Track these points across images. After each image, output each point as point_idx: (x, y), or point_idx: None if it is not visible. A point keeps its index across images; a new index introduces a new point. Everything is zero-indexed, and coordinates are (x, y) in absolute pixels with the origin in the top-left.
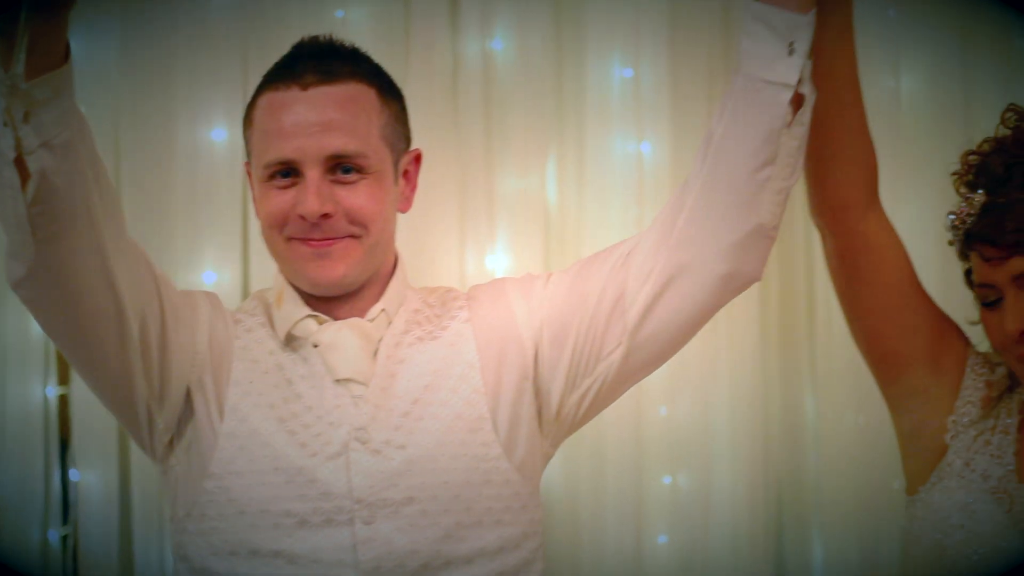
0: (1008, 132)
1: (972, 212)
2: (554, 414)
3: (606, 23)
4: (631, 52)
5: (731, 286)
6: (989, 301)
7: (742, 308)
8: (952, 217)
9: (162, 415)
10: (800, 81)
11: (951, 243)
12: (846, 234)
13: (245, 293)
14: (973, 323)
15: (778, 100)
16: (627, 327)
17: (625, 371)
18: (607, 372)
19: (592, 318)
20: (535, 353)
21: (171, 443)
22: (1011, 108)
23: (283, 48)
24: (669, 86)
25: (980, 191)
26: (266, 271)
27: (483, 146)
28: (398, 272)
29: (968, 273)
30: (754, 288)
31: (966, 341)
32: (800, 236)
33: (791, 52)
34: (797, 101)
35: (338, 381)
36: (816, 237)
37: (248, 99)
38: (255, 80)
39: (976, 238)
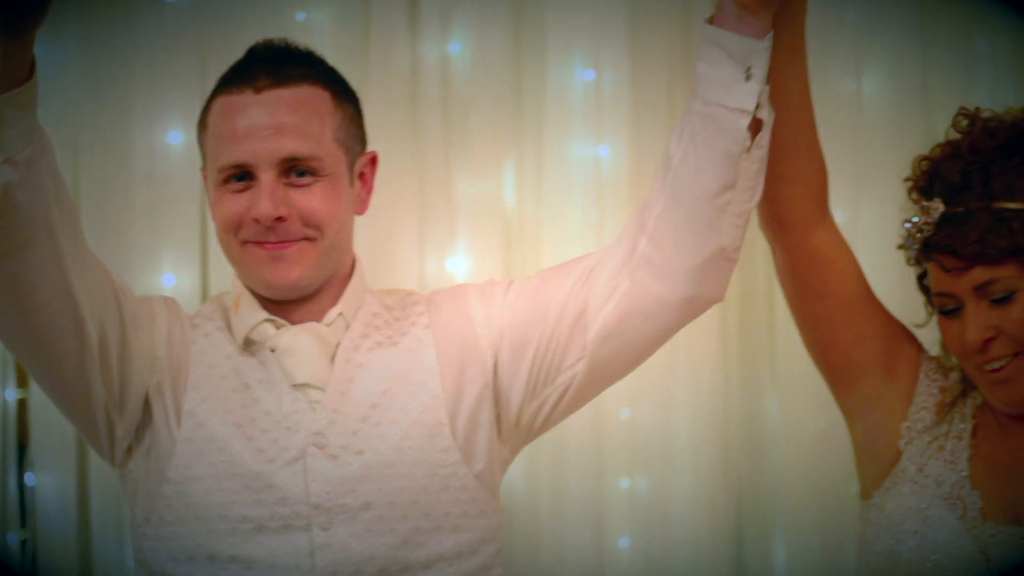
0: (959, 136)
1: (930, 221)
2: (513, 421)
3: (566, 26)
4: (591, 55)
5: (692, 308)
6: (947, 309)
7: None
8: (908, 226)
9: (122, 421)
10: (758, 106)
11: (902, 247)
12: (796, 248)
13: (204, 296)
14: (919, 325)
15: (736, 125)
16: (587, 345)
17: (586, 384)
18: (567, 384)
19: (553, 331)
20: (494, 361)
21: (130, 449)
22: (962, 112)
23: (242, 51)
24: (629, 89)
25: (936, 199)
26: (225, 274)
27: (442, 149)
28: (355, 275)
29: (921, 278)
30: None
31: (919, 347)
32: (760, 239)
33: (748, 77)
34: (756, 125)
35: (295, 386)
36: None
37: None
38: (213, 83)
39: (936, 248)
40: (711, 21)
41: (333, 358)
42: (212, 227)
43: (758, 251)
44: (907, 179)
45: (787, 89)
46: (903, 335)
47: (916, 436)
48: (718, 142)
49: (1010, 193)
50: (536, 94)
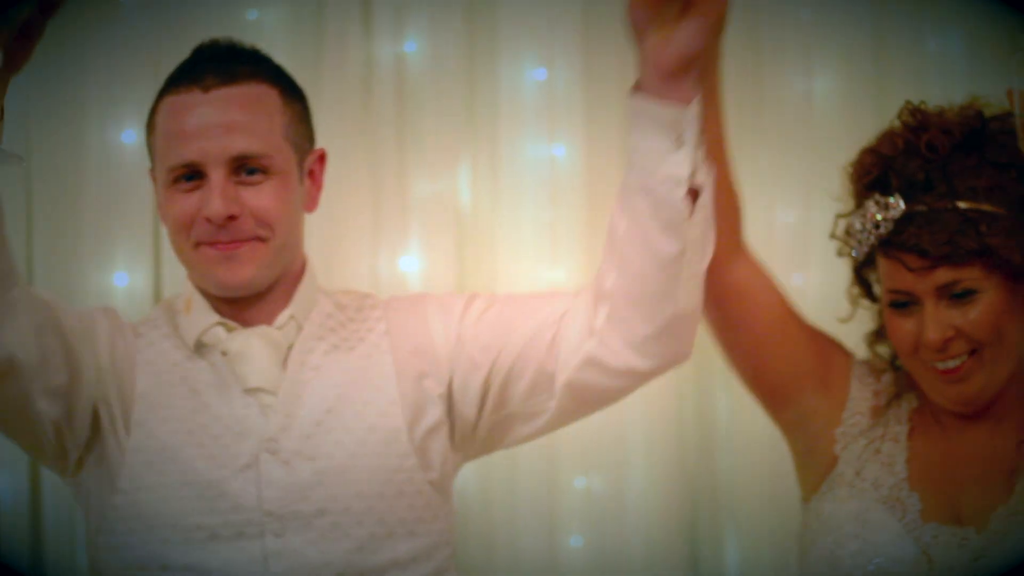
0: (901, 128)
1: (889, 218)
2: (469, 433)
3: (519, 25)
4: (544, 54)
5: (659, 370)
6: (899, 303)
7: None
8: (861, 220)
9: (72, 435)
10: (694, 171)
11: (840, 238)
12: (716, 285)
13: (157, 294)
14: (843, 321)
15: (674, 196)
16: (556, 391)
17: (558, 419)
18: (537, 419)
19: (516, 360)
20: (451, 374)
21: (81, 461)
22: (909, 106)
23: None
24: (583, 89)
25: (896, 195)
26: (178, 272)
27: (396, 149)
28: (306, 276)
29: (858, 270)
30: None
31: (848, 354)
32: None
33: (680, 145)
34: (695, 189)
35: (247, 390)
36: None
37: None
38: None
39: (899, 246)
40: (637, 87)
41: (286, 361)
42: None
43: None
44: (851, 171)
45: (703, 136)
46: (831, 346)
47: (852, 441)
48: (659, 214)
49: (973, 194)
50: (490, 94)
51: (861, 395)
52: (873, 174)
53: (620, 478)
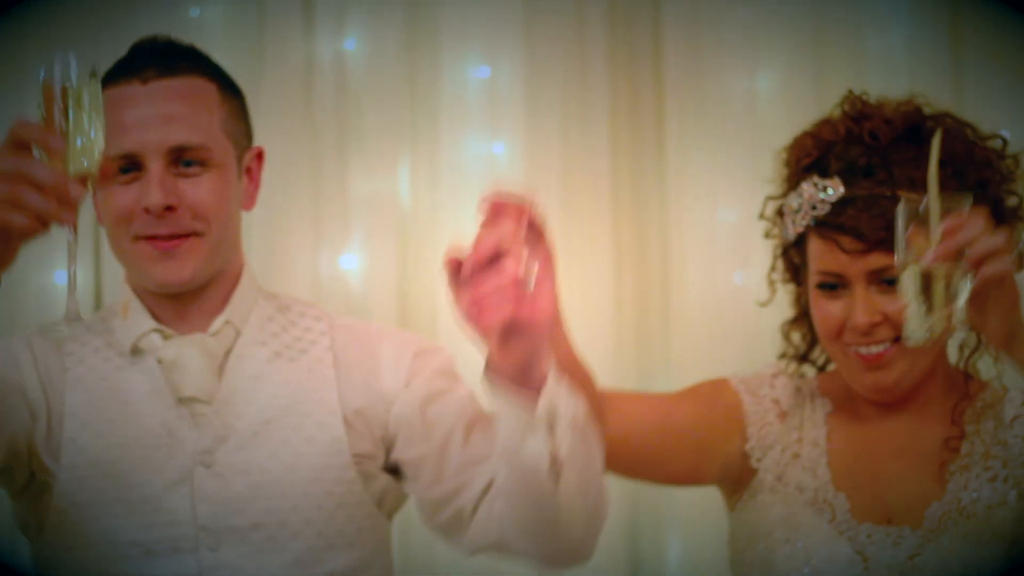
0: (842, 116)
1: (826, 199)
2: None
3: (461, 23)
4: (486, 52)
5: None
6: (827, 284)
7: (596, 308)
8: (797, 199)
9: (17, 473)
10: (554, 453)
11: (771, 218)
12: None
13: (97, 291)
14: (762, 304)
15: (537, 472)
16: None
17: None
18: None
19: (430, 488)
20: (394, 429)
21: (25, 486)
22: (850, 95)
23: None
24: (524, 86)
25: (835, 178)
26: (118, 270)
27: (337, 147)
28: (244, 279)
29: (785, 251)
30: (609, 288)
31: (723, 381)
32: (654, 235)
33: (539, 426)
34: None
35: (180, 400)
36: (674, 229)
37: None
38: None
39: (835, 227)
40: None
41: (223, 368)
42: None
43: (653, 255)
44: (787, 154)
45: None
46: (706, 392)
47: (767, 450)
48: (528, 483)
49: (912, 185)
50: (431, 91)
51: (759, 407)
52: (813, 156)
53: None
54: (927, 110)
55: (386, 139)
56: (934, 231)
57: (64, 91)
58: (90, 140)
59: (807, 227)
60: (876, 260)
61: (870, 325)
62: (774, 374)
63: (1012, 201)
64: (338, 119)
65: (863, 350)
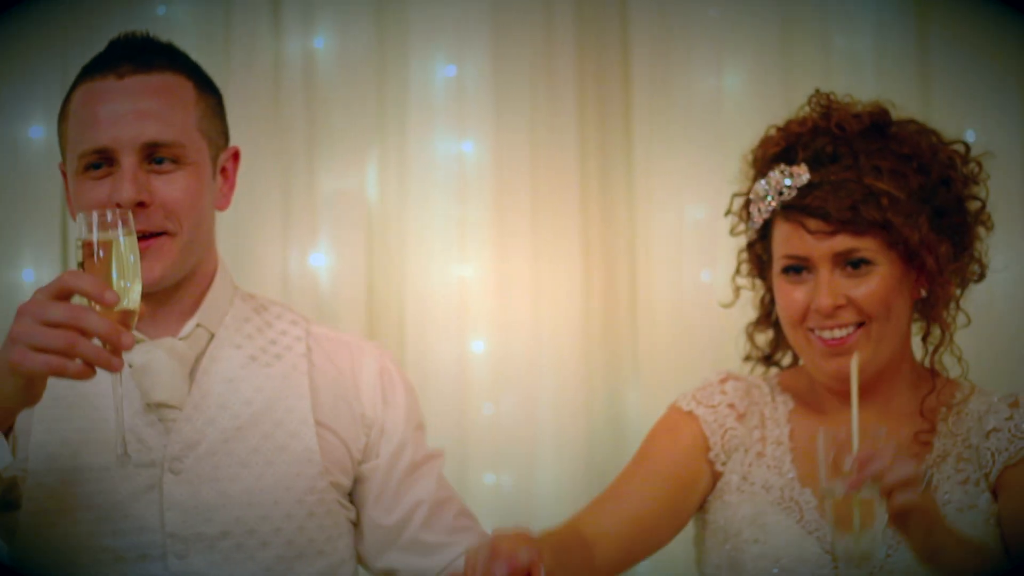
0: (810, 112)
1: (792, 185)
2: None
3: (429, 21)
4: (454, 50)
5: None
6: (791, 267)
7: (565, 304)
8: (764, 185)
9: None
10: None
11: (738, 212)
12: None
13: None
14: (726, 306)
15: None
16: None
17: None
18: None
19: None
20: (371, 445)
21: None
22: (818, 93)
23: (104, 44)
24: (492, 85)
25: (802, 165)
26: None
27: (305, 145)
28: (218, 280)
29: (751, 245)
30: (577, 286)
31: (673, 408)
32: (622, 233)
33: None
34: None
35: (149, 405)
36: (642, 227)
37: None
38: (75, 77)
39: (801, 210)
40: None
41: (194, 372)
42: (72, 222)
43: (621, 252)
44: (755, 149)
45: None
46: (663, 430)
47: (731, 453)
48: None
49: (877, 173)
50: (399, 89)
51: (715, 415)
52: (780, 147)
53: (529, 474)
54: (893, 114)
55: (354, 137)
56: (850, 460)
57: (103, 243)
58: (131, 284)
59: (773, 212)
60: (841, 242)
61: (834, 307)
62: (722, 379)
63: (974, 205)
64: (307, 117)
65: (826, 334)
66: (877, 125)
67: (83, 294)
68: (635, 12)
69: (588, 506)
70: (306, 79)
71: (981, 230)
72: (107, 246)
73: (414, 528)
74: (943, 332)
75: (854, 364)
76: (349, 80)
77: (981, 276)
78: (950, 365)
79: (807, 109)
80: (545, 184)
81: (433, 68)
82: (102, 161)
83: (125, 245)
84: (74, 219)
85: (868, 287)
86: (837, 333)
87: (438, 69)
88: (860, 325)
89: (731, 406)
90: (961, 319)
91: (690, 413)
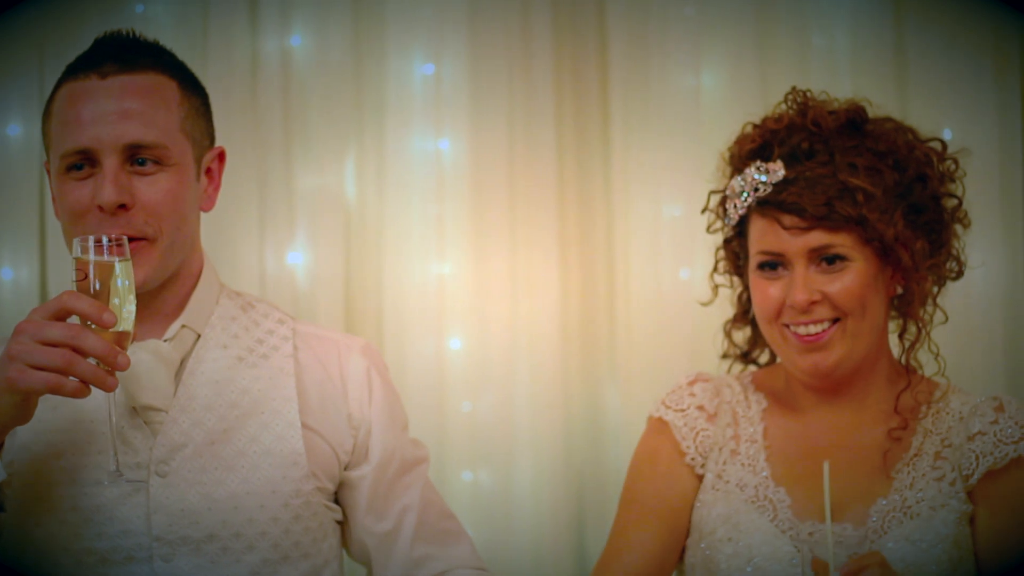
0: (786, 109)
1: (768, 181)
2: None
3: (406, 19)
4: (431, 48)
5: None
6: (767, 263)
7: (543, 302)
8: (740, 182)
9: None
10: None
11: (714, 209)
12: None
13: (42, 289)
14: (705, 304)
15: None
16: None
17: None
18: None
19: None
20: (359, 449)
21: None
22: (795, 91)
23: (81, 42)
24: (469, 83)
25: (778, 162)
26: (63, 267)
27: (283, 143)
28: (203, 280)
29: (727, 242)
30: (555, 284)
31: (647, 434)
32: (600, 231)
33: None
34: None
35: (135, 409)
36: (620, 225)
37: (45, 95)
38: (52, 75)
39: (777, 206)
40: None
41: (180, 374)
42: (51, 220)
43: (599, 250)
44: (731, 146)
45: None
46: (641, 461)
47: (706, 454)
48: None
49: (853, 169)
50: (377, 88)
51: (684, 420)
52: (757, 143)
53: (509, 472)
54: (870, 112)
55: (332, 135)
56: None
57: (99, 265)
58: (126, 307)
59: (749, 208)
60: (816, 238)
61: (808, 303)
62: (690, 381)
63: (951, 202)
64: (284, 115)
65: (801, 330)
66: (853, 122)
67: (82, 315)
68: (612, 10)
69: (595, 571)
70: (283, 77)
71: (958, 227)
72: (103, 269)
73: (406, 538)
74: (919, 329)
75: (826, 470)
76: (326, 78)
77: (959, 274)
78: (927, 362)
79: (784, 107)
80: (523, 182)
81: (411, 66)
82: (84, 162)
83: (121, 270)
84: (58, 218)
85: (843, 283)
86: (812, 329)
87: (415, 67)
88: (835, 321)
89: (700, 408)
90: (939, 316)
91: (660, 420)
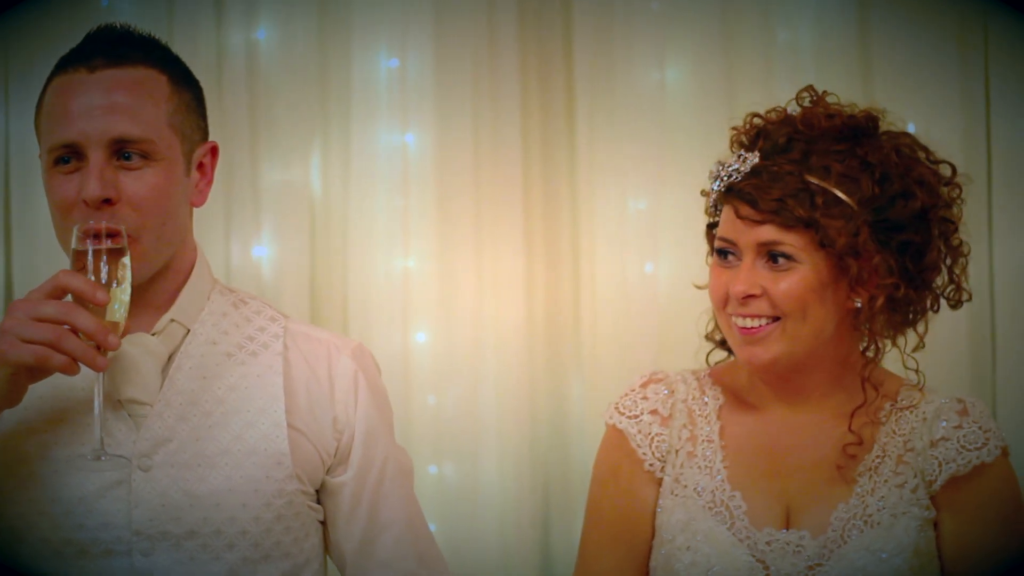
0: (800, 110)
1: (741, 169)
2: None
3: (372, 13)
4: (396, 42)
5: None
6: (723, 250)
7: (508, 295)
8: (717, 167)
9: None
10: None
11: (705, 193)
12: None
13: (8, 282)
14: (700, 287)
15: None
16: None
17: None
18: None
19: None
20: (342, 449)
21: None
22: (808, 90)
23: (46, 36)
24: (434, 77)
25: (756, 152)
26: (28, 260)
27: (248, 137)
28: (195, 274)
29: (711, 226)
30: (520, 277)
31: (610, 450)
32: (566, 225)
33: None
34: None
35: (119, 402)
36: (585, 219)
37: (6, 88)
38: (16, 67)
39: (737, 194)
40: None
41: (167, 368)
42: (16, 213)
43: (564, 244)
44: (734, 128)
45: None
46: (602, 478)
47: (666, 456)
48: None
49: (825, 172)
50: (342, 81)
51: (638, 427)
52: (750, 134)
53: (474, 466)
54: (883, 124)
55: (297, 129)
56: None
57: (95, 252)
58: (120, 293)
59: (720, 194)
60: (767, 232)
61: (745, 295)
62: (643, 383)
63: (946, 227)
64: (249, 109)
65: (740, 321)
66: (853, 129)
67: (76, 292)
68: (578, 5)
69: None
70: (249, 71)
71: (949, 258)
72: (99, 259)
73: (381, 558)
74: (876, 347)
75: None
76: (292, 72)
77: (958, 302)
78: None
79: (794, 103)
80: (488, 176)
81: (376, 60)
82: (71, 155)
83: (117, 261)
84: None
85: (787, 283)
86: (749, 323)
87: (381, 61)
88: (776, 319)
89: (654, 412)
90: (914, 342)
91: (616, 428)
